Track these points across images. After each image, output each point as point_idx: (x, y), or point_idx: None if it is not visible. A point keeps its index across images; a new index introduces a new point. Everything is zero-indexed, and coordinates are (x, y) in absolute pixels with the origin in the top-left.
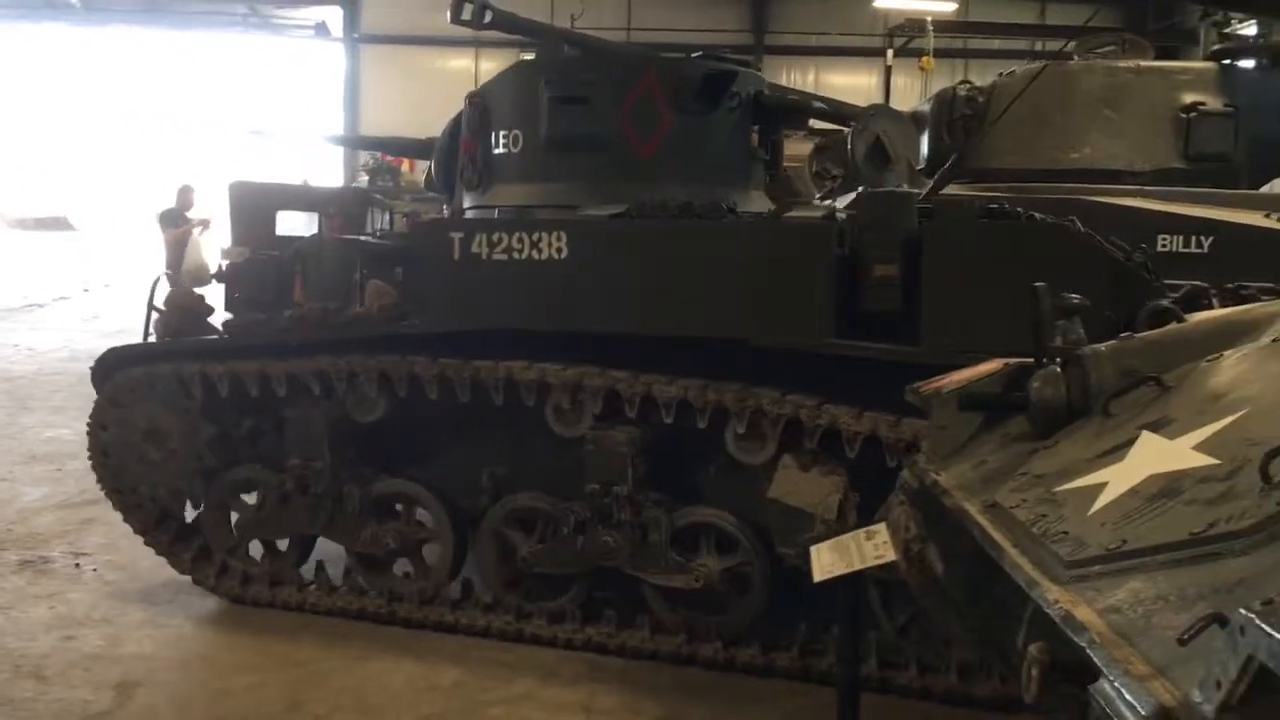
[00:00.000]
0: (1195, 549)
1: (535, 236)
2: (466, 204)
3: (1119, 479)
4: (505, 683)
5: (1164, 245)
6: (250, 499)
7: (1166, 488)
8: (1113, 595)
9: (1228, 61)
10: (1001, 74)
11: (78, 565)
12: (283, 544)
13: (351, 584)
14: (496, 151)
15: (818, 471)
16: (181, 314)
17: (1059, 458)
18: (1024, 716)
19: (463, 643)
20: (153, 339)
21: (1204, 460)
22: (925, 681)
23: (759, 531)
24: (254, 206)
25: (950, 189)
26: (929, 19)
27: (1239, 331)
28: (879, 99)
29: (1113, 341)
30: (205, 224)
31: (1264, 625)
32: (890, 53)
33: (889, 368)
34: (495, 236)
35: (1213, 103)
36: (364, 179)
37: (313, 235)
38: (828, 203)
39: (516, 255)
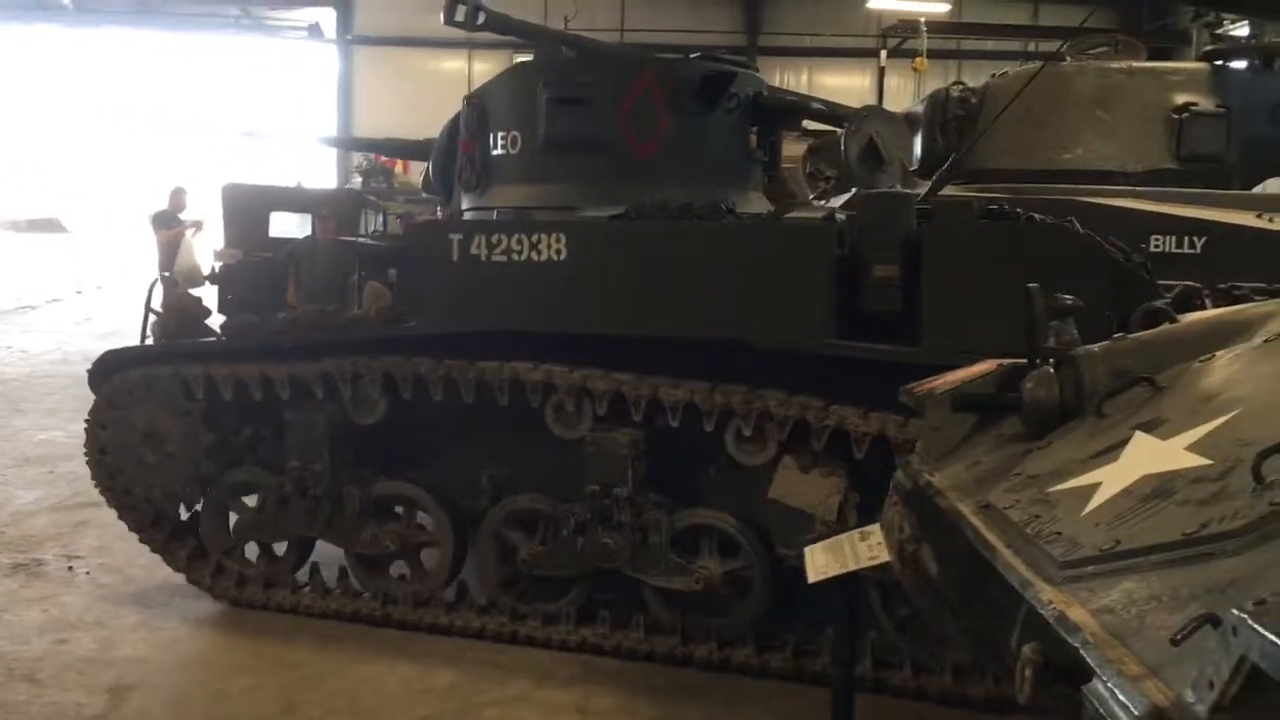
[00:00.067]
0: (1188, 549)
1: (535, 238)
2: (465, 205)
3: (1112, 479)
4: (500, 684)
5: (1156, 245)
6: (248, 500)
7: (1159, 488)
8: (1106, 596)
9: (1220, 62)
10: (994, 75)
11: (71, 568)
12: (280, 548)
13: (346, 586)
14: (495, 153)
15: (818, 472)
16: (179, 316)
17: (1052, 458)
18: (1018, 717)
19: (458, 645)
20: (149, 341)
21: (1197, 461)
22: (920, 682)
23: (759, 533)
24: (247, 208)
25: (943, 190)
26: (922, 20)
27: (1231, 332)
28: (872, 100)
29: (1106, 342)
30: (198, 225)
31: (1256, 625)
32: (883, 54)
33: (888, 368)
34: (494, 238)
35: (1205, 103)
36: (357, 180)
37: (306, 237)
38: (823, 203)
39: (516, 257)
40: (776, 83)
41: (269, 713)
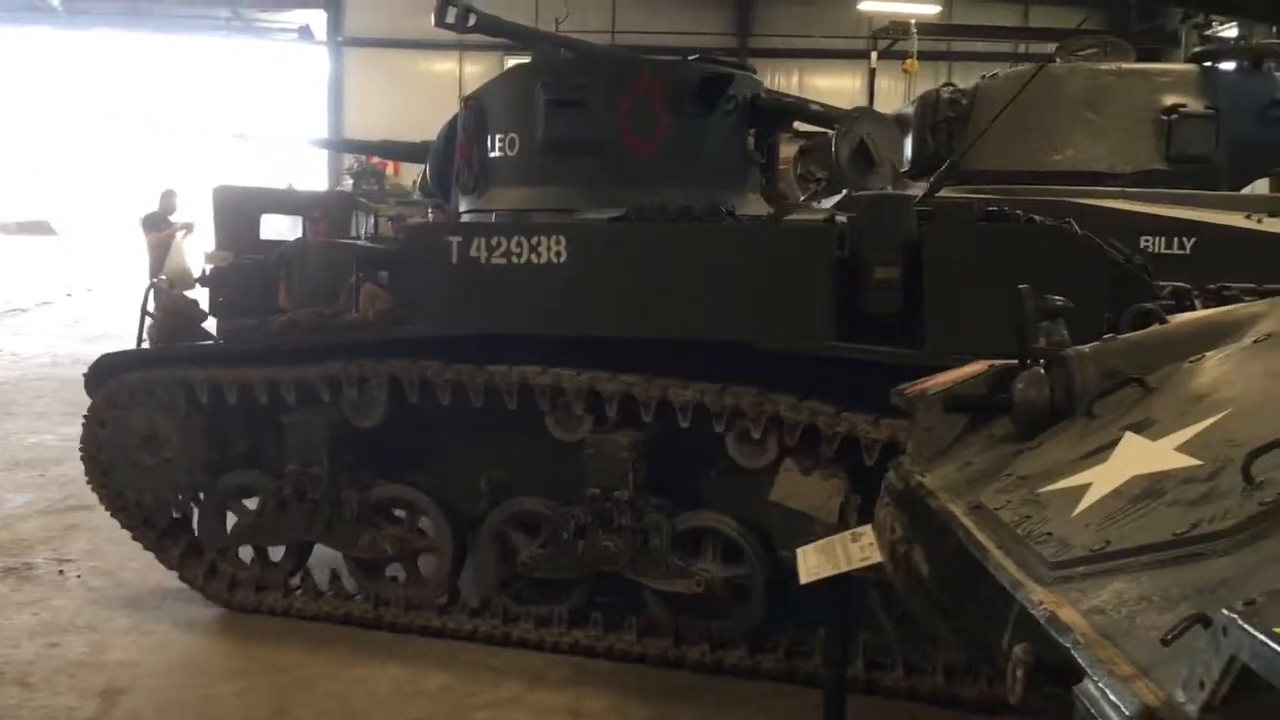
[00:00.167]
0: (1178, 549)
1: (534, 240)
2: (462, 208)
3: (1103, 480)
4: (492, 686)
5: (1146, 246)
6: (248, 503)
7: (1149, 489)
8: (1097, 596)
9: (1209, 64)
10: (985, 76)
11: (61, 572)
12: (277, 553)
13: (338, 589)
14: (492, 155)
15: (819, 475)
16: (175, 319)
17: (1043, 459)
18: (1009, 717)
19: (450, 647)
20: (145, 345)
21: (1187, 461)
22: (912, 682)
23: (760, 535)
24: (238, 210)
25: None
26: (913, 22)
27: (1221, 333)
28: (863, 101)
29: (1096, 343)
30: (188, 228)
31: (1246, 625)
32: (874, 55)
33: (888, 370)
34: (494, 240)
35: (1194, 105)
36: (348, 183)
37: (297, 239)
38: (814, 205)
39: (515, 259)
40: (767, 84)
41: (260, 716)
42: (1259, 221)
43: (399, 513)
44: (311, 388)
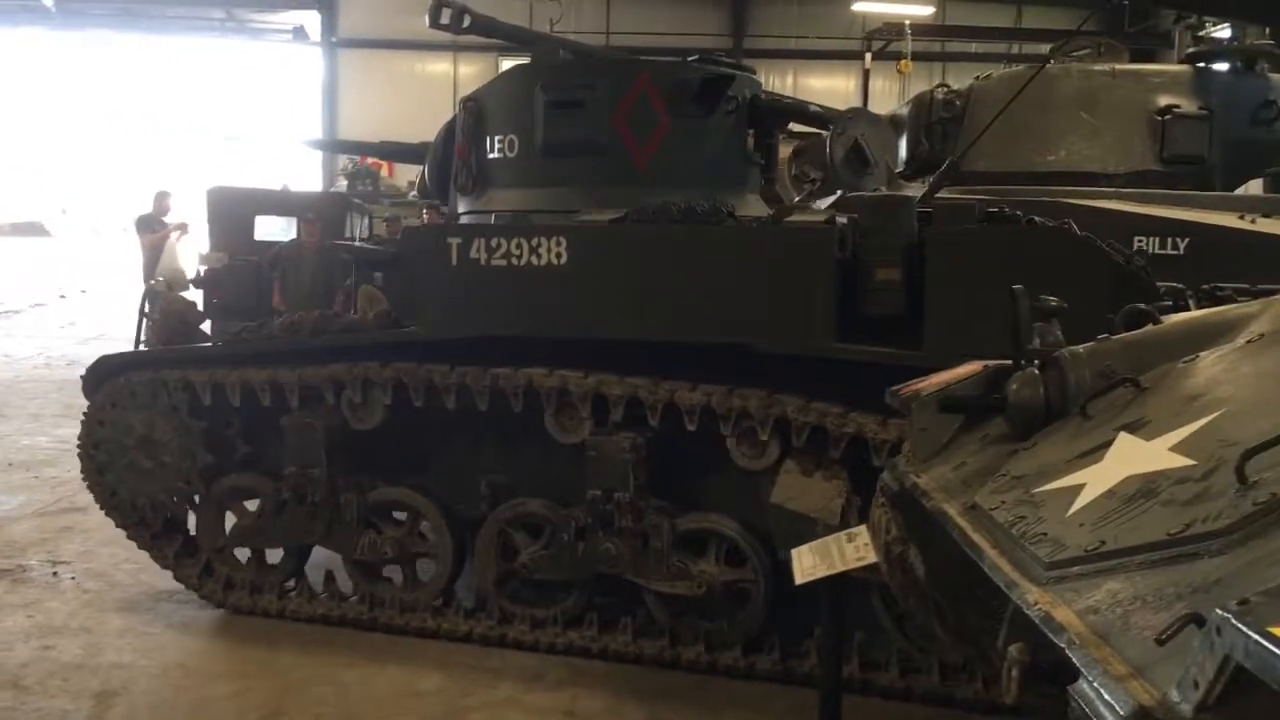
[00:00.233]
0: (1172, 549)
1: (535, 242)
2: (461, 209)
3: (1097, 480)
4: (488, 688)
5: (1140, 247)
6: (248, 504)
7: (1144, 489)
8: (1091, 596)
9: (1202, 65)
10: (979, 77)
11: (55, 574)
12: (273, 555)
13: (333, 591)
14: (491, 156)
15: (820, 476)
16: (175, 321)
17: (1038, 459)
18: (1005, 717)
19: (445, 648)
20: (144, 347)
21: (1180, 461)
22: (907, 682)
23: (761, 537)
24: (232, 212)
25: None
26: (907, 22)
27: (1215, 333)
28: (857, 102)
29: (1090, 343)
30: (183, 229)
31: (1241, 625)
32: (868, 56)
33: (889, 371)
34: (494, 242)
35: (1187, 105)
36: (343, 184)
37: (291, 241)
38: (810, 205)
39: (515, 261)
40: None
41: (256, 718)
42: (1252, 222)
43: (399, 515)
44: (315, 390)
